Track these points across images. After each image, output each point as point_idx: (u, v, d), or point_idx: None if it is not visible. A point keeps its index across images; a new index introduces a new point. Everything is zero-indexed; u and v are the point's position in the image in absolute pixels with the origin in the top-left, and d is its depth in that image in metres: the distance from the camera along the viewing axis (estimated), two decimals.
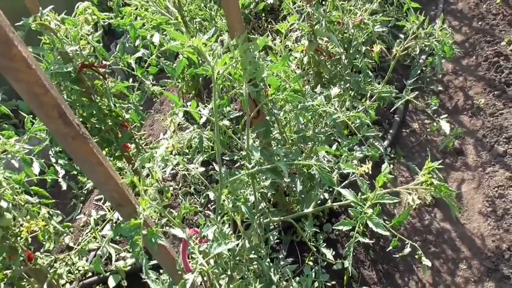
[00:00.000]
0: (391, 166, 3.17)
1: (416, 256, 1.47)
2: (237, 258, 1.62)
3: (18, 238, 2.21)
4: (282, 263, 2.05)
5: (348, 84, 2.65)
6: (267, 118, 1.97)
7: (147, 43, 2.45)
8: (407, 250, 1.43)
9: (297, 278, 1.76)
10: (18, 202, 2.14)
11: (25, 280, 2.39)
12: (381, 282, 2.58)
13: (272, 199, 2.67)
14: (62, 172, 2.57)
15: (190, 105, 1.75)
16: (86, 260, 2.93)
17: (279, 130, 2.20)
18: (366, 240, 1.47)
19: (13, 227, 2.16)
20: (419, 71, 3.61)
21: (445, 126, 2.01)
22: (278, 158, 1.62)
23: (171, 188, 3.30)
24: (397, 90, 3.56)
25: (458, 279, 2.52)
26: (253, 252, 1.69)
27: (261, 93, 1.91)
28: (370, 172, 1.66)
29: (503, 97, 3.43)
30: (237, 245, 1.64)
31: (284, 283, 1.81)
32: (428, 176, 1.39)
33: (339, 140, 2.27)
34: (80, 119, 2.71)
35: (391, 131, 3.34)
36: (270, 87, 1.75)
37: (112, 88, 2.58)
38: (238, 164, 2.37)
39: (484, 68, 3.70)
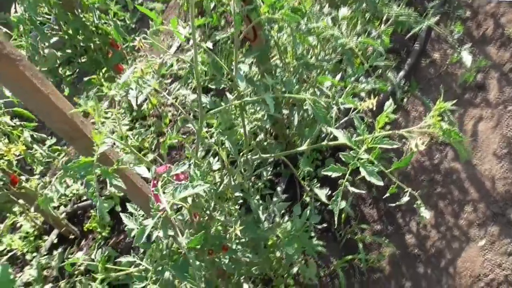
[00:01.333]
0: (405, 99, 2.93)
1: (415, 206, 1.32)
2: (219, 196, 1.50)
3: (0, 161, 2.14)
4: (275, 199, 1.94)
5: (364, 5, 2.33)
6: (265, 42, 1.73)
7: None
8: (405, 199, 1.28)
9: (286, 218, 1.65)
10: None
11: (15, 203, 2.36)
12: (381, 221, 2.49)
13: (272, 131, 2.50)
14: None
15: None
16: (81, 184, 2.89)
17: (279, 56, 1.97)
18: (357, 190, 1.32)
19: None
20: None
21: (467, 58, 1.76)
22: (273, 88, 1.42)
23: (169, 114, 3.16)
24: (419, 14, 3.23)
25: (461, 222, 2.41)
26: (239, 190, 1.56)
27: (257, 11, 1.67)
28: (375, 109, 1.46)
29: None
30: (219, 183, 1.51)
31: (270, 223, 1.71)
32: (437, 119, 1.19)
33: (349, 69, 2.04)
34: (66, 37, 2.50)
35: (408, 60, 3.05)
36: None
37: (97, 2, 2.33)
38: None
39: None
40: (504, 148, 2.62)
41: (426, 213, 1.25)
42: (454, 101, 1.26)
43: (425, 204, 2.48)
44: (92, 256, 2.57)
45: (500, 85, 2.91)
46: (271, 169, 1.95)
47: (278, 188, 2.52)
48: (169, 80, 3.23)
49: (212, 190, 1.48)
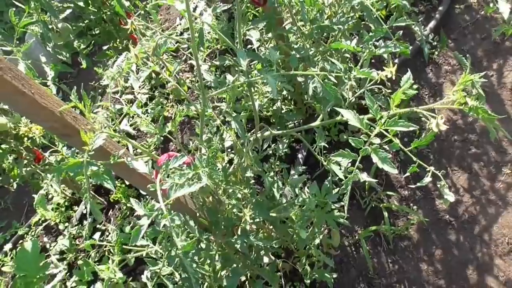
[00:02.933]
0: (435, 52, 2.69)
1: (439, 186, 1.20)
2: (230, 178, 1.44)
3: (25, 139, 2.16)
4: (292, 172, 1.85)
5: None
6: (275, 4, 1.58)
7: None
8: (427, 179, 1.16)
9: (302, 197, 1.56)
10: None
11: (40, 178, 2.41)
12: (409, 185, 2.37)
13: (290, 97, 2.38)
14: None
15: None
16: None
17: (292, 19, 1.81)
18: (371, 179, 1.21)
19: (12, 130, 2.09)
20: None
21: (504, 8, 1.53)
22: (278, 63, 1.29)
23: (187, 81, 3.07)
24: None
25: (498, 185, 2.25)
26: (249, 170, 1.49)
27: None
28: (394, 78, 1.32)
29: None
30: (229, 166, 1.44)
31: (290, 197, 1.64)
32: (461, 95, 1.04)
33: (371, 24, 1.85)
34: (77, 10, 2.42)
35: (440, 8, 2.77)
36: None
37: None
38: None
39: None
40: None
41: (450, 196, 1.13)
42: (483, 73, 1.09)
43: (459, 167, 2.33)
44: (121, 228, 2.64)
45: None
46: (287, 141, 1.86)
47: (299, 155, 2.43)
48: (186, 46, 3.12)
49: (222, 173, 1.41)
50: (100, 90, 3.36)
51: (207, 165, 1.23)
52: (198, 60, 1.22)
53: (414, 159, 1.18)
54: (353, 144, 1.07)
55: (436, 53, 2.67)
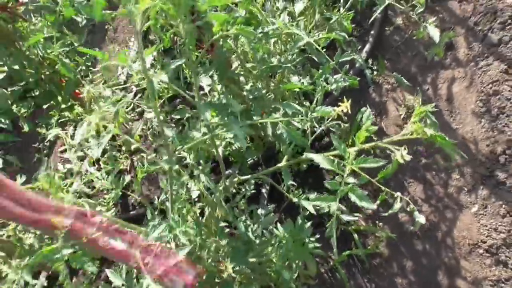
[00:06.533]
0: (375, 73, 2.86)
1: (408, 209, 1.27)
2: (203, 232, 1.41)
3: None
4: (263, 211, 1.86)
5: None
6: (221, 56, 1.61)
7: None
8: (397, 206, 1.22)
9: (278, 232, 1.57)
10: None
11: None
12: (370, 198, 2.45)
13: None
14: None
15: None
16: None
17: (240, 62, 1.85)
18: (351, 218, 1.25)
19: None
20: None
21: (434, 33, 1.68)
22: (241, 114, 1.31)
23: (138, 130, 3.01)
24: None
25: (451, 190, 2.39)
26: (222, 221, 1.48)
27: (208, 25, 1.54)
28: (350, 111, 1.38)
29: None
30: (201, 219, 1.43)
31: (261, 237, 1.64)
32: (419, 126, 1.11)
33: (314, 57, 1.94)
34: (13, 74, 2.32)
35: (372, 32, 2.95)
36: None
37: (38, 31, 2.15)
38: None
39: None
40: (482, 106, 2.59)
41: (421, 219, 1.20)
42: (433, 104, 1.18)
43: (414, 178, 2.45)
44: None
45: (468, 41, 2.85)
46: (253, 184, 1.87)
47: (263, 190, 2.45)
48: (131, 94, 3.07)
49: (196, 228, 1.39)
50: (45, 151, 3.21)
51: (182, 223, 1.21)
52: (161, 121, 1.21)
53: (383, 188, 1.24)
54: (329, 187, 1.10)
55: (375, 73, 2.84)
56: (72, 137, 3.06)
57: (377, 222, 2.37)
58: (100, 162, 2.85)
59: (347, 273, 2.26)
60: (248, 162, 2.39)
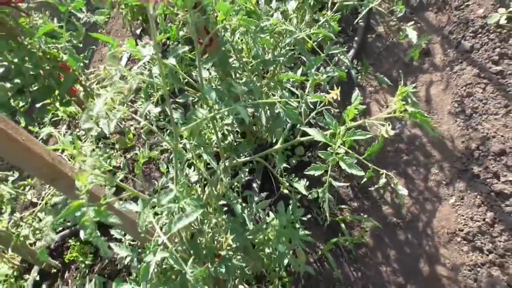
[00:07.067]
0: (359, 77, 3.03)
1: (392, 185, 1.39)
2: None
3: None
4: (256, 198, 1.97)
5: None
6: (222, 48, 1.73)
7: None
8: (382, 181, 1.35)
9: (271, 217, 1.68)
10: None
11: None
12: (357, 198, 2.58)
13: (239, 129, 2.52)
14: None
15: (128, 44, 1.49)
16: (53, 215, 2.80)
17: (236, 57, 1.98)
18: (340, 184, 1.37)
19: None
20: None
21: (412, 35, 1.84)
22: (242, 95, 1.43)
23: (132, 128, 3.09)
24: None
25: (431, 184, 2.55)
26: (221, 199, 1.58)
27: (210, 19, 1.66)
28: (339, 98, 1.52)
29: None
30: (203, 194, 1.53)
31: (255, 222, 1.74)
32: (401, 104, 1.25)
33: (303, 56, 2.08)
34: (13, 67, 2.38)
35: (356, 38, 3.14)
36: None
37: (40, 27, 2.23)
38: (197, 100, 2.17)
39: None
40: (457, 107, 2.78)
41: (403, 191, 1.32)
42: (414, 85, 1.33)
43: (396, 173, 2.60)
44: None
45: (444, 48, 3.07)
46: (247, 170, 1.98)
47: (254, 185, 2.56)
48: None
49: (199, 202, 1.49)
50: None
51: (187, 195, 1.30)
52: (168, 99, 1.32)
53: (370, 165, 1.37)
54: (322, 156, 1.22)
55: (360, 77, 3.00)
56: (65, 135, 3.12)
57: (362, 214, 2.50)
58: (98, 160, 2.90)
59: (335, 263, 2.36)
60: (241, 157, 2.50)
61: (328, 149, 1.23)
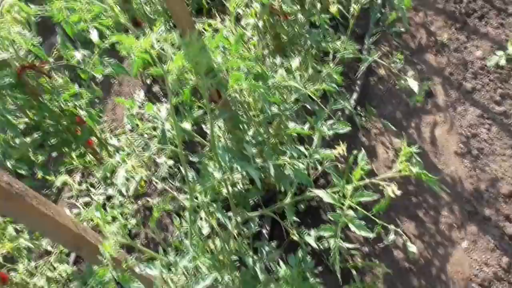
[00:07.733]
0: (363, 119, 3.09)
1: (401, 240, 1.42)
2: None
3: None
4: (267, 248, 1.99)
5: (309, 43, 2.48)
6: (233, 108, 1.82)
7: (87, 38, 2.20)
8: (392, 237, 1.38)
9: (282, 268, 1.70)
10: None
11: None
12: (367, 242, 2.58)
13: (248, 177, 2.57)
14: None
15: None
16: (67, 263, 2.82)
17: (244, 110, 2.06)
18: (351, 246, 1.41)
19: None
20: (378, 14, 3.46)
21: (413, 85, 1.91)
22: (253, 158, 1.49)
23: (143, 175, 3.16)
24: (359, 36, 3.44)
25: (442, 227, 2.55)
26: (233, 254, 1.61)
27: (222, 82, 1.75)
28: (345, 154, 1.57)
29: (465, 30, 3.34)
30: (215, 249, 1.56)
31: (265, 272, 1.76)
32: (405, 165, 1.30)
33: (308, 105, 2.16)
34: (33, 123, 2.50)
35: (358, 82, 3.22)
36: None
37: (60, 87, 2.37)
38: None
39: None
40: (463, 148, 2.82)
41: (413, 248, 1.35)
42: (417, 145, 1.38)
43: (406, 216, 2.61)
44: None
45: (445, 89, 3.14)
46: (257, 220, 2.02)
47: (264, 231, 2.58)
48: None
49: (210, 260, 1.52)
50: (53, 197, 3.32)
51: (201, 253, 1.34)
52: (185, 162, 1.39)
53: (378, 221, 1.40)
54: (332, 218, 1.27)
55: (364, 119, 3.07)
56: (80, 183, 3.20)
57: (373, 259, 2.50)
58: (107, 207, 2.96)
59: None
60: (250, 204, 2.54)
61: (337, 210, 1.28)
